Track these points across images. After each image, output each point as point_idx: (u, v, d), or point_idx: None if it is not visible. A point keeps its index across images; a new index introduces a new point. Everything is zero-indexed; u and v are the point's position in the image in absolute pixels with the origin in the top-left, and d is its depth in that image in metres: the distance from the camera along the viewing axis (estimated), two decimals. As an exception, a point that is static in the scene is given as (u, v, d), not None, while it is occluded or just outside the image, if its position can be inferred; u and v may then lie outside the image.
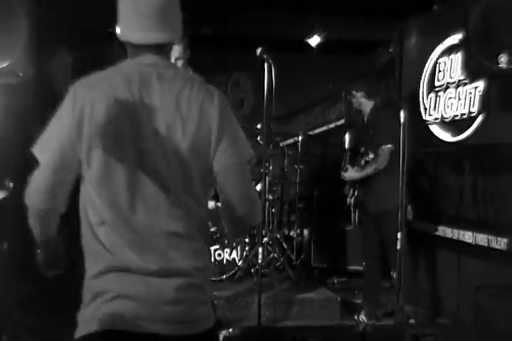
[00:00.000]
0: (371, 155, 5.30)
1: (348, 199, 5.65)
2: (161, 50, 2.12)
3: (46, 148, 2.04)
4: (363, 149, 5.50)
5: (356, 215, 5.64)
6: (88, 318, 1.97)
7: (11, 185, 4.84)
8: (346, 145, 6.39)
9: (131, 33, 2.11)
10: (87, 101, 1.98)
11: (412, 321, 5.19)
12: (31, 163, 5.91)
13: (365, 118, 5.60)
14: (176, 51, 4.32)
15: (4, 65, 4.42)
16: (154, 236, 1.97)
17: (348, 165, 5.55)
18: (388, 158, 5.24)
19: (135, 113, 1.98)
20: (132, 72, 2.07)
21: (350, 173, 5.52)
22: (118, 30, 2.18)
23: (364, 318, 5.47)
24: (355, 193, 5.59)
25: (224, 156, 2.02)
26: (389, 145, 5.23)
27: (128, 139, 1.97)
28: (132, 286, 1.94)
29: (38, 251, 2.29)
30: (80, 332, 1.98)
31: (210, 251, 2.27)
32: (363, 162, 5.39)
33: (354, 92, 5.53)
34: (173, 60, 4.32)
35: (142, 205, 1.97)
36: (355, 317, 5.53)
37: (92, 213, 2.03)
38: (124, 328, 1.91)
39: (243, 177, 2.08)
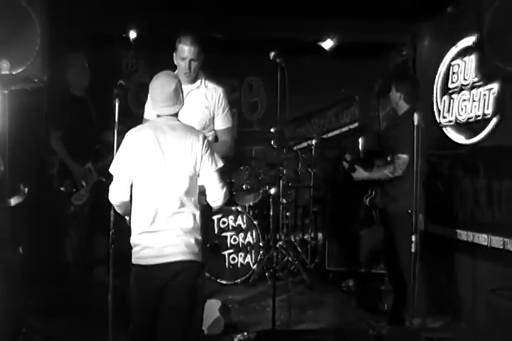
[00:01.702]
0: (388, 159, 5.25)
1: (364, 199, 5.60)
2: (174, 114, 3.78)
3: (118, 167, 3.72)
4: (380, 159, 5.45)
5: (377, 215, 5.58)
6: (133, 257, 3.66)
7: (26, 190, 4.87)
8: (360, 148, 6.36)
9: (157, 109, 3.75)
10: (135, 143, 3.68)
11: (426, 324, 5.14)
12: (45, 168, 5.89)
13: (396, 122, 5.51)
14: (190, 53, 4.35)
15: (19, 70, 4.45)
16: (165, 214, 3.62)
17: (356, 165, 5.48)
18: (403, 168, 5.10)
19: (158, 150, 3.65)
20: (158, 127, 3.72)
21: (359, 173, 5.43)
22: (149, 106, 4.12)
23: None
24: (373, 194, 5.53)
25: (205, 169, 3.71)
26: (405, 156, 5.07)
27: (153, 165, 3.65)
28: (150, 241, 3.61)
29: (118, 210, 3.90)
30: (133, 262, 3.67)
31: (196, 217, 3.68)
32: (375, 167, 5.35)
33: (394, 91, 5.41)
34: (187, 62, 4.36)
35: (160, 199, 3.63)
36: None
37: (136, 204, 3.69)
38: (149, 263, 3.59)
39: (216, 179, 3.76)
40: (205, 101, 4.52)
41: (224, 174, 3.90)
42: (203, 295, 4.09)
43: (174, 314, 3.63)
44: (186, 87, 4.32)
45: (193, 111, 4.43)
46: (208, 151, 3.72)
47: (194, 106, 4.46)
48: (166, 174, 3.65)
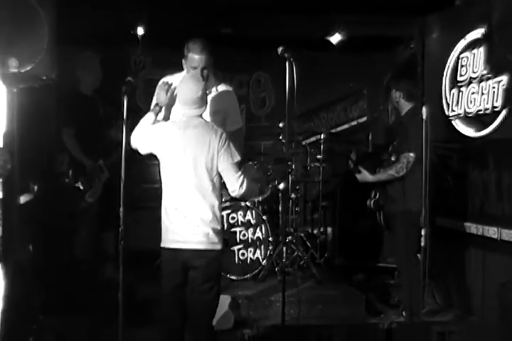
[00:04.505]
0: (393, 159, 5.22)
1: (368, 202, 5.57)
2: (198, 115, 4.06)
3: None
4: (386, 155, 5.43)
5: (381, 217, 5.57)
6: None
7: (35, 187, 4.89)
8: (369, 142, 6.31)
9: (183, 110, 4.03)
10: (163, 134, 4.06)
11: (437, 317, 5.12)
12: (54, 166, 5.91)
13: (400, 120, 5.49)
14: (202, 61, 4.33)
15: (27, 68, 4.46)
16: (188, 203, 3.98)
17: (360, 168, 5.41)
18: (408, 167, 5.10)
19: (179, 145, 3.97)
20: (182, 125, 4.02)
21: (364, 176, 5.39)
22: (177, 106, 4.14)
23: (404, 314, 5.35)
24: (377, 196, 5.51)
25: (223, 162, 3.97)
26: (411, 154, 5.07)
27: (174, 159, 4.00)
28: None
29: None
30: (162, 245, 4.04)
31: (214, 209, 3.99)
32: (378, 169, 5.31)
33: (394, 91, 5.40)
34: (199, 70, 4.33)
35: (186, 188, 3.96)
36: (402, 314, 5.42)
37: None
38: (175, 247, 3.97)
39: (232, 171, 4.00)
40: (217, 107, 4.52)
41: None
42: None
43: None
44: None
45: (205, 116, 4.45)
46: (225, 147, 3.99)
47: (206, 111, 4.49)
48: (185, 168, 3.96)
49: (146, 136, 4.13)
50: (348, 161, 5.55)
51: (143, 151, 4.15)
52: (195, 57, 4.31)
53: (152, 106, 4.25)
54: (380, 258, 6.77)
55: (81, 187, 5.79)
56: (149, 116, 4.18)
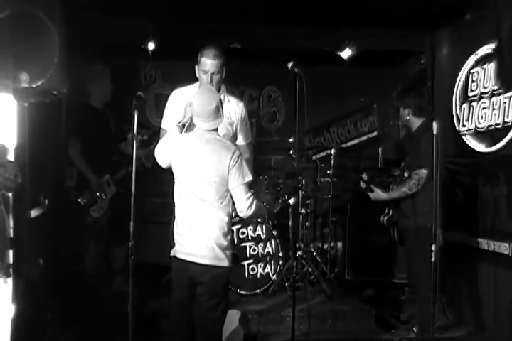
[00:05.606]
0: (405, 175, 5.18)
1: (381, 218, 5.54)
2: (213, 129, 4.04)
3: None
4: (398, 171, 5.39)
5: (395, 233, 5.53)
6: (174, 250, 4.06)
7: (46, 201, 4.90)
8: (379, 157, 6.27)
9: (197, 122, 4.00)
10: (180, 146, 4.06)
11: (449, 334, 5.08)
12: (64, 180, 5.93)
13: (411, 136, 5.45)
14: (213, 66, 4.36)
15: (38, 83, 4.48)
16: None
17: (373, 186, 5.35)
18: (421, 183, 5.05)
19: (195, 157, 3.96)
20: (194, 138, 4.02)
21: (377, 194, 5.34)
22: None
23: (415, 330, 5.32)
24: (390, 212, 5.48)
25: (232, 182, 3.94)
26: (423, 170, 5.02)
27: (184, 173, 4.01)
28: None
29: None
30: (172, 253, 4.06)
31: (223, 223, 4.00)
32: (392, 186, 5.27)
33: (402, 109, 5.35)
34: (209, 75, 4.36)
35: (194, 202, 3.96)
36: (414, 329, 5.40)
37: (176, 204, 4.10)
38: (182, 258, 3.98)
39: (242, 192, 3.98)
40: (229, 118, 4.53)
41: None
42: None
43: None
44: None
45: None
46: (236, 165, 3.93)
47: None
48: (194, 182, 3.94)
49: (165, 148, 4.14)
50: (360, 181, 5.51)
51: (163, 165, 4.17)
52: (207, 62, 4.38)
53: (175, 124, 4.20)
54: (390, 273, 6.73)
55: (82, 202, 5.78)
56: (173, 132, 4.15)
